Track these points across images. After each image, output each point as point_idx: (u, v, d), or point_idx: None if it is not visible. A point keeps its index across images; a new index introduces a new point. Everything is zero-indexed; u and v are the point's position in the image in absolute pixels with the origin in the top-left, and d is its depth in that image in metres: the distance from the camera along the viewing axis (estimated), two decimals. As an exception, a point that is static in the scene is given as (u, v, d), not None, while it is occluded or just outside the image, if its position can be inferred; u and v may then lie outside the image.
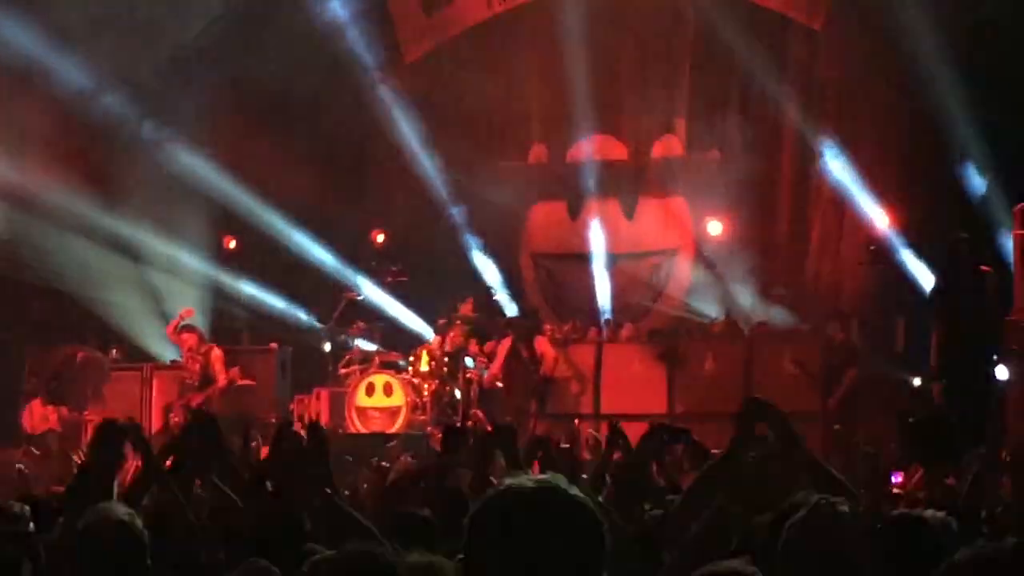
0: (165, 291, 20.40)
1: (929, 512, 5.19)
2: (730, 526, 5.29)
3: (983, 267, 14.13)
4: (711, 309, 19.71)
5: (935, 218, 17.70)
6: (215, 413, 17.42)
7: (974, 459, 8.17)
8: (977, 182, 17.53)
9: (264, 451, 7.56)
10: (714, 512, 5.31)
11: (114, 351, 19.66)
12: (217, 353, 18.15)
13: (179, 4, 19.56)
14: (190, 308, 18.84)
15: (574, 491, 2.93)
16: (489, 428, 13.15)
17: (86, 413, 18.42)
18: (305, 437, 6.56)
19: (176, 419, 17.57)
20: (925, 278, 17.01)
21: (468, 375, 17.86)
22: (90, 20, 18.58)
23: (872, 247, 18.42)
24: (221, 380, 17.85)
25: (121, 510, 4.72)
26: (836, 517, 4.23)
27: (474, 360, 18.13)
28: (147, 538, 4.68)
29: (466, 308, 18.46)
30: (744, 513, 5.33)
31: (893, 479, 12.56)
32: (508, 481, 2.95)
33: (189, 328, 18.24)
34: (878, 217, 18.34)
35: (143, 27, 19.37)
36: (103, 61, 18.98)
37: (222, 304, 20.49)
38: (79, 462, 6.13)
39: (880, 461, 12.68)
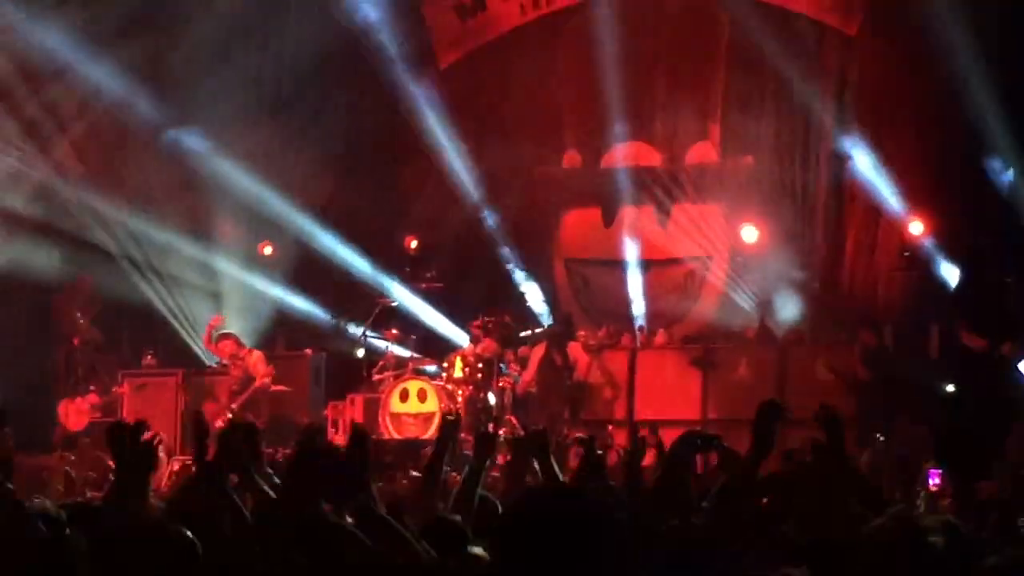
0: (200, 298, 20.47)
1: (931, 520, 5.17)
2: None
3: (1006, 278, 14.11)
4: (745, 315, 19.68)
5: (970, 224, 17.66)
6: (260, 415, 17.62)
7: (1003, 468, 8.15)
8: (1004, 174, 17.47)
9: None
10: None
11: (148, 357, 19.73)
12: (258, 355, 18.30)
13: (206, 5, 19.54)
14: (219, 316, 18.93)
15: (602, 497, 2.95)
16: (523, 434, 13.17)
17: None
18: (346, 443, 6.58)
19: (220, 424, 17.66)
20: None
21: (502, 382, 17.89)
22: (116, 21, 18.71)
23: (906, 253, 18.39)
24: (259, 378, 17.93)
25: (158, 512, 4.74)
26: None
27: (507, 367, 18.16)
28: (186, 538, 4.70)
29: (501, 317, 18.46)
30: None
31: (931, 481, 12.57)
32: (536, 487, 2.98)
33: (225, 336, 18.35)
34: (912, 223, 18.29)
35: (171, 27, 19.40)
36: (130, 63, 19.07)
37: (257, 310, 20.54)
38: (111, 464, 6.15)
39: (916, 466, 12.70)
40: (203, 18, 19.15)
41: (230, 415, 16.95)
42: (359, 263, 20.45)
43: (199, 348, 19.72)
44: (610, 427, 17.36)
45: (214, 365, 19.03)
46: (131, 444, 5.87)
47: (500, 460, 11.90)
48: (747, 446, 5.57)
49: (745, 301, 19.77)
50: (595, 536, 2.92)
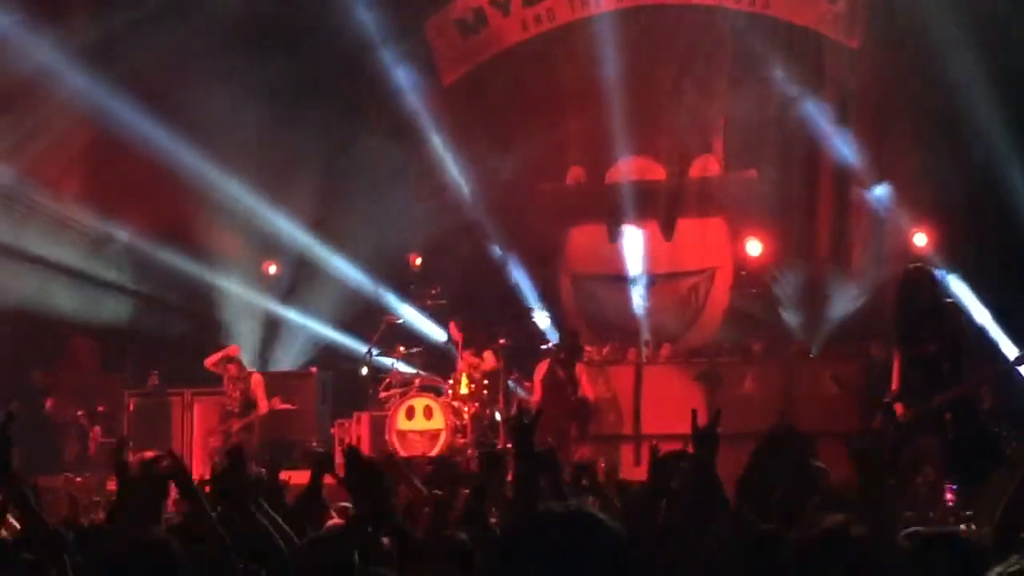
0: (206, 317, 20.47)
1: (963, 528, 5.17)
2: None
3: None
4: (750, 329, 19.64)
5: (975, 236, 17.65)
6: (256, 439, 17.66)
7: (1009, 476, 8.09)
8: None
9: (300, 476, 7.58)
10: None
11: (152, 377, 19.74)
12: (257, 379, 18.30)
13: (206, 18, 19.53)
14: (236, 347, 18.91)
15: (603, 517, 2.93)
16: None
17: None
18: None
19: (215, 444, 17.70)
20: (965, 297, 16.94)
21: (514, 400, 17.83)
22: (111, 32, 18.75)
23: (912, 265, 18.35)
24: (263, 407, 17.99)
25: (157, 533, 4.73)
26: (849, 540, 4.23)
27: (515, 385, 18.15)
28: (183, 560, 4.69)
29: (499, 335, 18.43)
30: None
31: (948, 495, 12.53)
32: (538, 507, 2.96)
33: (231, 360, 18.39)
34: (917, 235, 18.27)
35: (169, 40, 19.39)
36: (136, 77, 19.10)
37: (262, 329, 20.54)
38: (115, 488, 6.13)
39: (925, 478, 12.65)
40: (204, 31, 19.13)
41: (232, 439, 17.01)
42: (364, 280, 20.43)
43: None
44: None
45: (219, 385, 19.01)
46: (141, 471, 5.89)
47: (510, 478, 11.82)
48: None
49: (750, 314, 19.73)
50: (592, 558, 2.90)
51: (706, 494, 5.94)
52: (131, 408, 19.07)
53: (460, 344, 18.43)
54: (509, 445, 15.95)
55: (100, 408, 19.08)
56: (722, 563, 5.19)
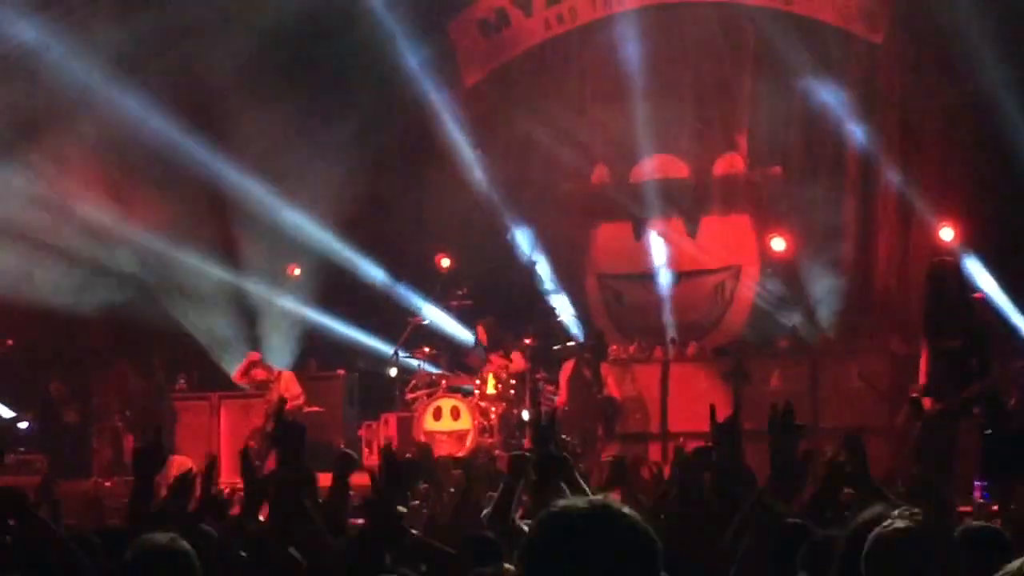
0: (233, 321, 20.52)
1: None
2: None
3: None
4: (776, 325, 19.62)
5: (1002, 230, 17.60)
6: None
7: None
8: None
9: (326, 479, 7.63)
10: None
11: (181, 381, 19.81)
12: (288, 375, 18.39)
13: (231, 28, 19.57)
14: (257, 352, 18.94)
15: (627, 511, 2.93)
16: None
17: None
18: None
19: (254, 446, 17.68)
20: (992, 291, 16.89)
21: (543, 403, 17.83)
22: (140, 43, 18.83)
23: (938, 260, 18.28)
24: (292, 398, 17.86)
25: (162, 536, 4.75)
26: (903, 536, 4.22)
27: (541, 386, 18.15)
28: (194, 560, 4.71)
29: (525, 336, 18.42)
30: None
31: (975, 492, 12.50)
32: (562, 503, 2.96)
33: (255, 364, 18.42)
34: (943, 229, 18.20)
35: (197, 49, 19.44)
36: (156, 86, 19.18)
37: (288, 331, 20.58)
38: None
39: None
40: (230, 40, 19.18)
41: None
42: (390, 282, 20.47)
43: (228, 371, 19.72)
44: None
45: (245, 388, 19.03)
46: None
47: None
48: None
49: (776, 311, 19.71)
50: (618, 552, 2.90)
51: (731, 487, 5.95)
52: (168, 412, 19.18)
53: (487, 345, 18.44)
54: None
55: (133, 412, 19.19)
56: (746, 554, 5.19)
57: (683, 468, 6.42)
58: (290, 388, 18.14)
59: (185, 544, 4.72)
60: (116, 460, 18.90)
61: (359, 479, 8.17)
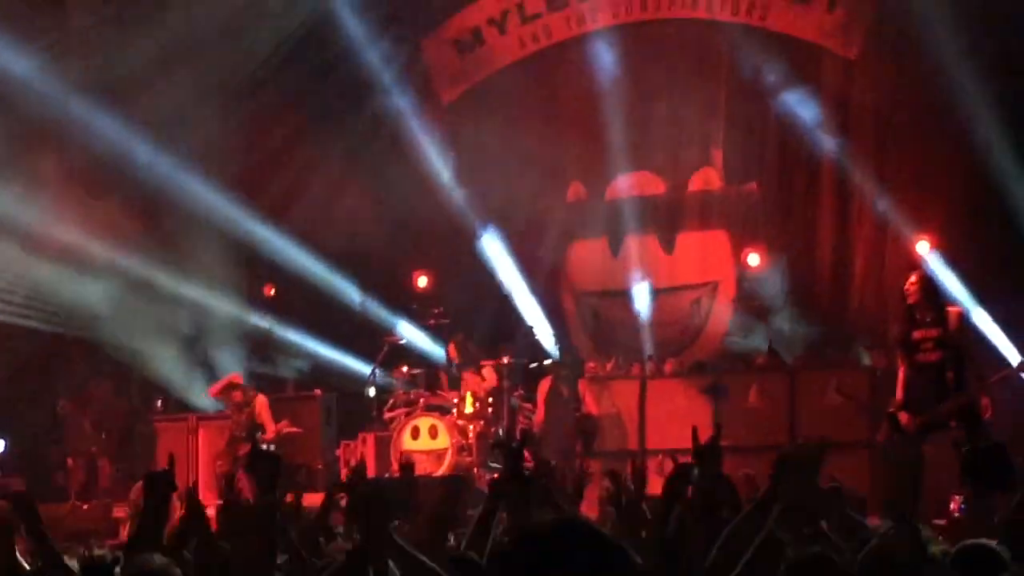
0: (206, 342, 20.45)
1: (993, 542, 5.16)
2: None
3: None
4: (753, 341, 19.63)
5: (977, 244, 17.64)
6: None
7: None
8: None
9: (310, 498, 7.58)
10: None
11: (158, 403, 19.75)
12: (263, 400, 18.22)
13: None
14: (238, 374, 18.88)
15: (595, 527, 2.93)
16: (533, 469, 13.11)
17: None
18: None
19: (223, 468, 17.61)
20: (968, 304, 16.92)
21: (521, 421, 17.82)
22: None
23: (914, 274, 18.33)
24: (271, 429, 17.85)
25: (159, 560, 4.72)
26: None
27: (518, 403, 18.14)
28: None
29: (503, 354, 18.43)
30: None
31: (952, 505, 12.51)
32: (531, 523, 2.96)
33: (235, 386, 18.37)
34: (919, 242, 18.24)
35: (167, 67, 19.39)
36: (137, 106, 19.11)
37: (262, 352, 20.52)
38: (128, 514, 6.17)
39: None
40: (200, 56, 19.17)
41: (239, 463, 16.92)
42: (366, 301, 20.44)
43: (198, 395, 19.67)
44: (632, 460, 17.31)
45: (222, 410, 18.94)
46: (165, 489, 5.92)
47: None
48: (758, 472, 5.57)
49: (753, 327, 19.72)
50: (588, 568, 2.89)
51: (712, 508, 5.94)
52: (147, 434, 19.12)
53: (459, 363, 18.42)
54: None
55: (110, 436, 19.13)
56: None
57: (670, 483, 6.40)
58: (263, 415, 18.02)
59: (178, 571, 4.70)
60: (90, 483, 18.83)
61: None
